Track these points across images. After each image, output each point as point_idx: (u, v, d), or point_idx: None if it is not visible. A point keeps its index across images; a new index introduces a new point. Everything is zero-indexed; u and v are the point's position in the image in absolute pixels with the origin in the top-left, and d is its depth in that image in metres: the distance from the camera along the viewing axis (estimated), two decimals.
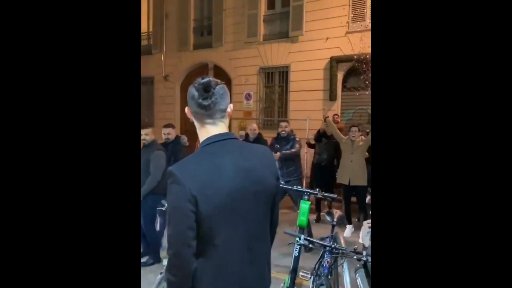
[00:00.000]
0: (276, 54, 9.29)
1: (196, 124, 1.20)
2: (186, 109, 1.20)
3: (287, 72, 9.24)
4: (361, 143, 4.84)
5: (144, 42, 11.91)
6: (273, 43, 9.33)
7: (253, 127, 5.03)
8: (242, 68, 9.96)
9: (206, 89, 1.14)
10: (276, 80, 9.52)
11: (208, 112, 1.15)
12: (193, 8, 11.04)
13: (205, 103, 1.14)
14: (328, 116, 5.27)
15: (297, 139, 4.68)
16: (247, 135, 5.26)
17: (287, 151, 4.46)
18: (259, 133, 5.13)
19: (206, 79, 1.15)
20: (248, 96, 9.88)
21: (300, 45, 8.88)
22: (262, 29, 9.63)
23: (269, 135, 8.04)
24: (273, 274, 3.44)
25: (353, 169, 4.81)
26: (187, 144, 4.84)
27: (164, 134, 4.30)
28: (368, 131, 5.52)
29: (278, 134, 4.80)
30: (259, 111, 9.77)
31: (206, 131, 1.18)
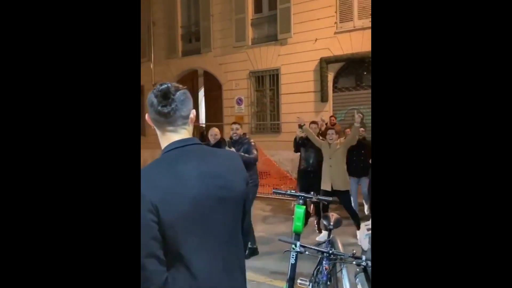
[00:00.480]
0: (266, 57, 9.27)
1: (157, 131, 1.16)
2: (146, 115, 1.15)
3: (277, 75, 9.21)
4: (338, 146, 4.65)
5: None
6: (262, 47, 9.31)
7: (213, 132, 4.74)
8: (232, 73, 9.90)
9: (165, 96, 1.09)
10: (267, 83, 9.49)
11: (168, 119, 1.11)
12: (180, 15, 11.01)
13: (165, 110, 1.10)
14: (304, 124, 4.95)
15: (253, 143, 4.47)
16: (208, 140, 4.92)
17: (246, 156, 4.28)
18: (221, 138, 4.90)
19: (164, 86, 1.11)
20: (239, 101, 9.83)
21: (289, 48, 8.87)
22: (250, 33, 9.60)
23: (261, 140, 8.08)
24: (271, 282, 3.49)
25: (332, 174, 4.63)
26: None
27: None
28: (347, 130, 5.38)
29: (230, 137, 4.66)
30: (251, 116, 9.71)
31: (167, 138, 1.14)
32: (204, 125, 11.71)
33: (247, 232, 1.29)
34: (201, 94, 12.20)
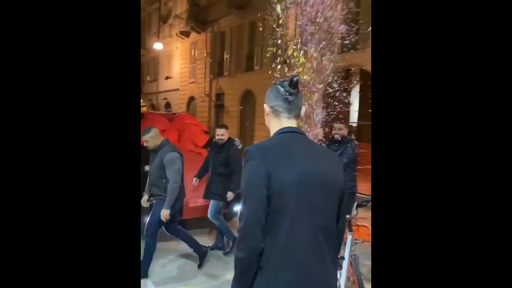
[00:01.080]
0: None
1: (271, 119, 1.28)
2: (265, 105, 1.29)
3: None
4: None
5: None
6: None
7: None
8: None
9: (295, 86, 1.23)
10: None
11: (291, 106, 1.24)
12: None
13: (290, 98, 1.23)
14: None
15: (354, 146, 4.03)
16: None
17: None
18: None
19: (295, 78, 1.23)
20: None
21: None
22: None
23: None
24: None
25: None
26: (241, 146, 4.64)
27: (218, 135, 4.23)
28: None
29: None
30: None
31: (281, 123, 1.26)
32: (355, 124, 11.10)
33: (339, 235, 1.29)
34: (354, 93, 11.19)
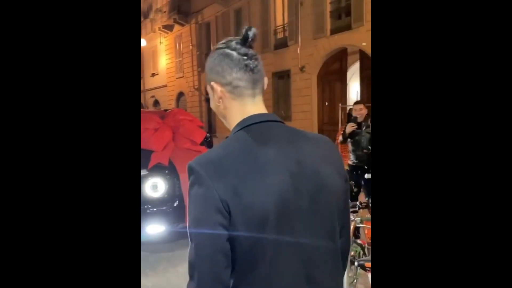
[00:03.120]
0: None
1: (228, 103, 0.87)
2: (213, 85, 0.87)
3: None
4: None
5: (280, 35, 11.59)
6: None
7: (358, 107, 3.94)
8: None
9: (251, 43, 0.85)
10: None
11: (254, 76, 0.85)
12: None
13: (252, 64, 0.84)
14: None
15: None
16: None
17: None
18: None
19: (251, 28, 0.84)
20: None
21: None
22: None
23: None
24: None
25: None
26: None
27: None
28: None
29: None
30: None
31: (244, 108, 0.85)
32: (351, 106, 10.78)
33: (344, 252, 0.94)
34: (350, 73, 11.07)
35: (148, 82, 21.70)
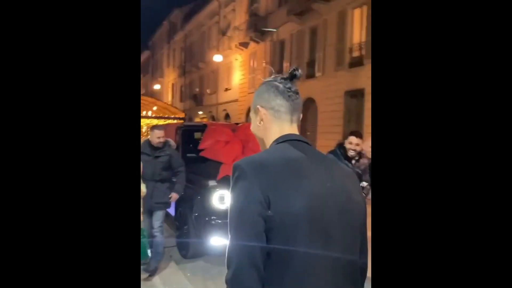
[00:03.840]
0: None
1: (269, 124, 1.02)
2: (258, 107, 1.03)
3: None
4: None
5: (356, 53, 11.83)
6: None
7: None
8: None
9: (295, 77, 1.02)
10: None
11: (294, 106, 1.01)
12: None
13: (293, 96, 1.01)
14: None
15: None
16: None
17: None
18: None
19: (298, 69, 1.03)
20: None
21: None
22: None
23: None
24: None
25: None
26: (175, 146, 4.25)
27: (158, 137, 3.65)
28: None
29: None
30: None
31: (282, 129, 1.00)
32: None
33: (363, 274, 0.98)
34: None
35: (221, 96, 22.64)
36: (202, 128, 5.08)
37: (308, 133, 14.51)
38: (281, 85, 1.01)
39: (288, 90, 1.00)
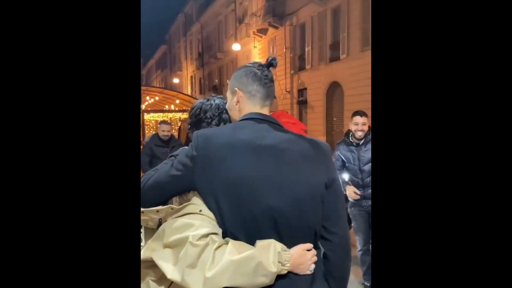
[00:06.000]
0: None
1: (244, 105, 1.14)
2: (236, 89, 1.15)
3: None
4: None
5: None
6: None
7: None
8: None
9: (271, 65, 1.15)
10: None
11: (268, 92, 1.14)
12: None
13: (268, 83, 1.13)
14: None
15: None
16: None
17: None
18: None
19: (274, 58, 1.16)
20: None
21: None
22: None
23: None
24: None
25: None
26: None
27: (163, 131, 4.30)
28: None
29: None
30: None
31: (254, 109, 1.12)
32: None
33: (341, 244, 1.10)
34: None
35: None
36: None
37: (335, 118, 14.01)
38: (258, 72, 1.12)
39: (265, 77, 1.12)
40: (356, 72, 11.85)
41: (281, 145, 1.03)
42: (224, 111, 1.36)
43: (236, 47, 19.81)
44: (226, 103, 1.41)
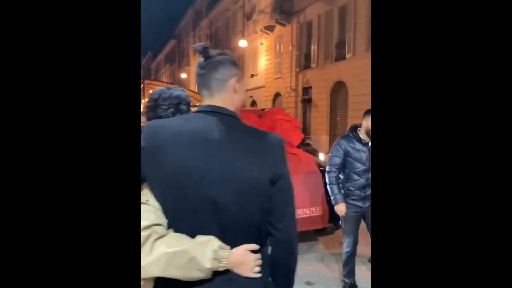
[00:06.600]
0: None
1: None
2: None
3: None
4: None
5: None
6: None
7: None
8: None
9: (203, 54, 1.09)
10: None
11: (201, 81, 1.10)
12: None
13: (200, 71, 1.09)
14: None
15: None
16: None
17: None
18: None
19: (203, 44, 1.08)
20: None
21: None
22: None
23: None
24: None
25: None
26: None
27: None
28: None
29: None
30: None
31: (203, 102, 1.11)
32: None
33: (284, 240, 1.07)
34: None
35: (247, 83, 22.30)
36: None
37: (338, 118, 13.94)
38: (198, 63, 1.10)
39: (198, 66, 1.09)
40: (361, 72, 11.75)
41: (228, 138, 1.02)
42: (183, 102, 1.38)
43: (243, 43, 19.77)
44: (188, 95, 1.45)
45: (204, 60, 1.08)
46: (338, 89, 13.93)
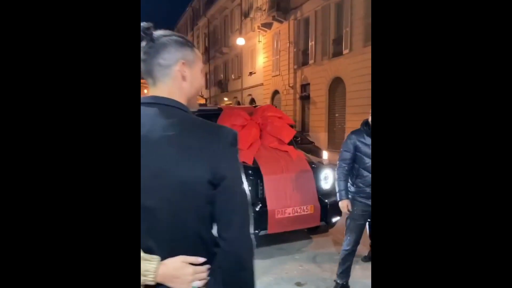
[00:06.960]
0: None
1: None
2: None
3: None
4: None
5: None
6: None
7: None
8: None
9: (146, 36, 0.95)
10: None
11: (144, 68, 0.96)
12: None
13: (143, 56, 0.96)
14: None
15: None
16: None
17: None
18: None
19: (143, 24, 0.94)
20: None
21: None
22: None
23: None
24: None
25: None
26: None
27: None
28: None
29: None
30: None
31: (148, 92, 1.00)
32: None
33: (232, 252, 0.92)
34: None
35: (246, 81, 22.23)
36: (217, 112, 4.71)
37: (337, 114, 13.85)
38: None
39: (142, 51, 0.97)
40: (358, 67, 11.66)
41: (163, 134, 0.91)
42: None
43: (240, 41, 19.69)
44: None
45: (146, 44, 0.95)
46: (336, 86, 13.84)
